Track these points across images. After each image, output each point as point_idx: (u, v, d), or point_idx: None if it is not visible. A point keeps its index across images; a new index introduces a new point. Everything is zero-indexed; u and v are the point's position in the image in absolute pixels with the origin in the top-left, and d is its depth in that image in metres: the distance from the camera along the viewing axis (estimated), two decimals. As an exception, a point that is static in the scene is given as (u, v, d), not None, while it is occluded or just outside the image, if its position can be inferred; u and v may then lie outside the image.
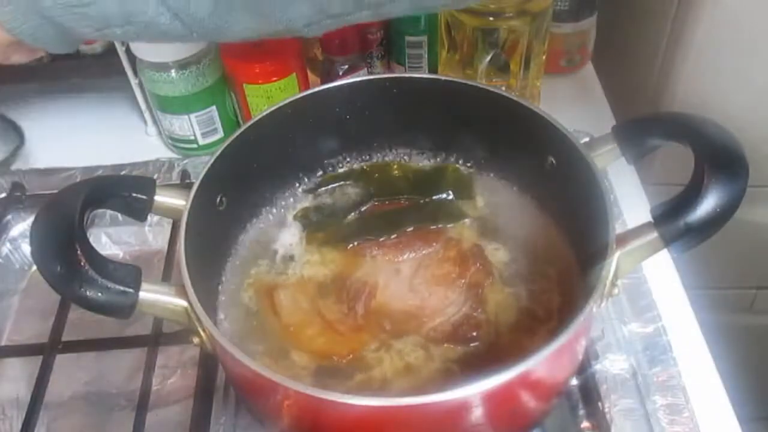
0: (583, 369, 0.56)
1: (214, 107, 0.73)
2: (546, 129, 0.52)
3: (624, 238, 0.46)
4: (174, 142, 0.76)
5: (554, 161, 0.54)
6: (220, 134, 0.75)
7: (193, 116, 0.72)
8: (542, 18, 0.68)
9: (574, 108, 0.78)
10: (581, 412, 0.54)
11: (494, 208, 0.60)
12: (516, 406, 0.45)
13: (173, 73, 0.69)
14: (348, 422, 0.42)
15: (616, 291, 0.46)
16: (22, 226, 0.71)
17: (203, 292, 0.46)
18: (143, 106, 0.78)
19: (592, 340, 0.57)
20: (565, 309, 0.52)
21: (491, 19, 0.66)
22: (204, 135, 0.74)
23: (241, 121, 0.77)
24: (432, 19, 0.74)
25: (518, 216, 0.59)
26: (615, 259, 0.45)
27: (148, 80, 0.71)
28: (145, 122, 0.80)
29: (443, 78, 0.58)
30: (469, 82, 0.59)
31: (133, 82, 0.75)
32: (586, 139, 0.55)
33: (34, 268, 0.69)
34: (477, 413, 0.42)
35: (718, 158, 0.44)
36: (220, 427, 0.54)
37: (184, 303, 0.44)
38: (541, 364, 0.40)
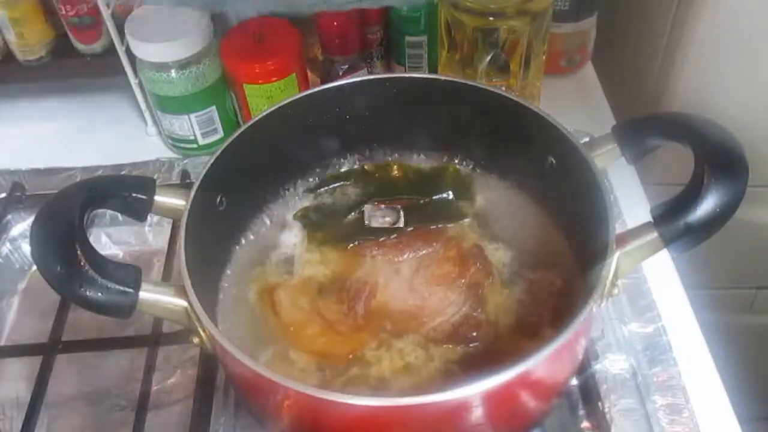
0: (583, 369, 0.56)
1: (214, 107, 0.73)
2: (546, 129, 0.52)
3: (624, 238, 0.46)
4: (174, 142, 0.76)
5: (554, 161, 0.54)
6: (220, 134, 0.75)
7: (193, 116, 0.72)
8: (542, 18, 0.68)
9: (574, 108, 0.79)
10: (581, 412, 0.54)
11: (494, 208, 0.60)
12: (516, 406, 0.45)
13: (173, 73, 0.69)
14: (348, 422, 0.42)
15: (616, 291, 0.46)
16: (22, 226, 0.71)
17: (203, 292, 0.46)
18: (143, 106, 0.78)
19: (592, 340, 0.57)
20: (565, 309, 0.52)
21: (491, 19, 0.66)
22: (204, 135, 0.74)
23: (241, 121, 0.77)
24: (432, 19, 0.74)
25: (518, 216, 0.59)
26: (615, 259, 0.45)
27: (148, 80, 0.71)
28: (145, 122, 0.80)
29: (443, 78, 0.58)
30: (469, 82, 0.59)
31: (133, 82, 0.75)
32: (586, 139, 0.55)
33: (34, 268, 0.69)
34: (477, 413, 0.42)
35: (718, 158, 0.44)
36: (220, 427, 0.54)
37: (184, 303, 0.44)
38: (541, 364, 0.40)
